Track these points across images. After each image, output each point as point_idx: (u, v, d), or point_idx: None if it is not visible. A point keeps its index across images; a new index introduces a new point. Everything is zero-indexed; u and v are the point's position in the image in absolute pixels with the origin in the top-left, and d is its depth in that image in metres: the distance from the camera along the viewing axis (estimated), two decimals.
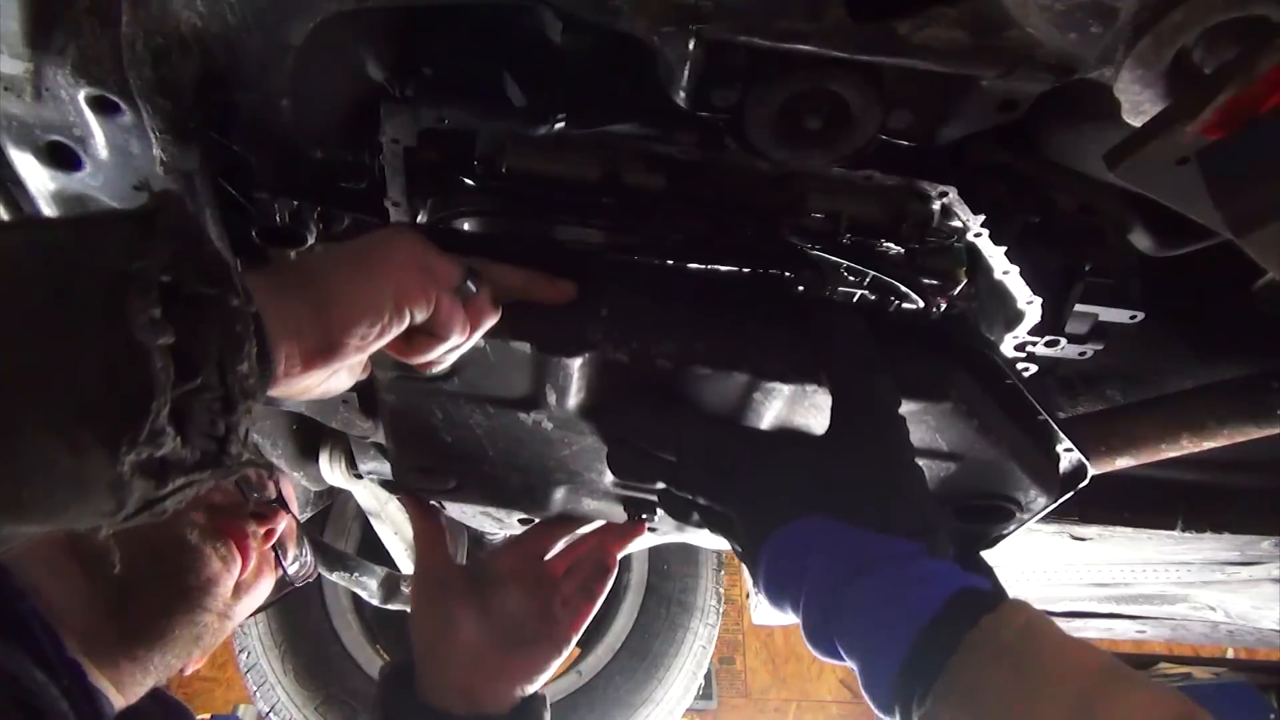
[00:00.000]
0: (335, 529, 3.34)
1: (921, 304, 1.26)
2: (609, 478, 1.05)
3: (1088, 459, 0.96)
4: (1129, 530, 1.84)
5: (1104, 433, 1.45)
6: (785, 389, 0.90)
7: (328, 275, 0.73)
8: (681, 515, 0.95)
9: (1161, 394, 1.44)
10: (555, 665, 1.16)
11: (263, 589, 1.34)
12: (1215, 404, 1.32)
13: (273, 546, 1.34)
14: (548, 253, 1.01)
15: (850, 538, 0.77)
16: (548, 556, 1.22)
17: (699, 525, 0.94)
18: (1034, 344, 1.35)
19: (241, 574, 1.28)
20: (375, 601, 2.42)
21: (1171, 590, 2.39)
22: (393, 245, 0.78)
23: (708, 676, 6.66)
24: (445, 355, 0.85)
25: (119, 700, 1.13)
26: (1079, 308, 1.33)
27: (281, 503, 1.41)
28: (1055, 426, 0.95)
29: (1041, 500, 0.98)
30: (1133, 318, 1.34)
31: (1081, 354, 1.41)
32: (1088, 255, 1.31)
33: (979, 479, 0.96)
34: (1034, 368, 1.42)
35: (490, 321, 0.86)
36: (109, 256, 0.55)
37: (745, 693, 8.02)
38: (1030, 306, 1.24)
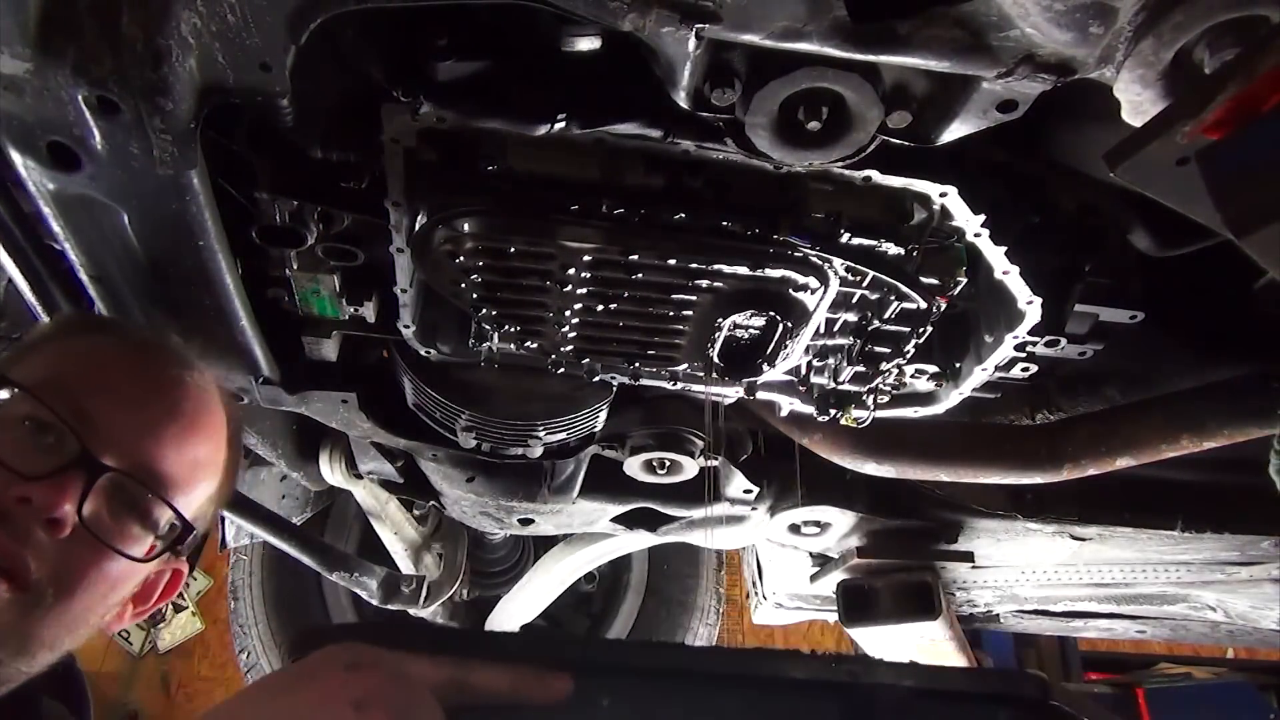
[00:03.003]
0: (335, 529, 3.34)
1: (922, 304, 1.27)
2: None
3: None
4: (1129, 530, 1.84)
5: (1104, 433, 1.45)
6: None
7: None
8: None
9: (1161, 394, 1.44)
10: None
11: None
12: (1215, 404, 1.32)
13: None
14: (535, 644, 0.92)
15: None
16: None
17: None
18: (1034, 344, 1.35)
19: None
20: (375, 601, 2.42)
21: (1171, 590, 2.39)
22: None
23: None
24: None
25: None
26: (1079, 308, 1.33)
27: None
28: None
29: None
30: (1133, 318, 1.34)
31: (1082, 354, 1.40)
32: (1088, 255, 1.31)
33: None
34: (1034, 367, 1.42)
35: None
36: None
37: None
38: (1030, 306, 1.24)
